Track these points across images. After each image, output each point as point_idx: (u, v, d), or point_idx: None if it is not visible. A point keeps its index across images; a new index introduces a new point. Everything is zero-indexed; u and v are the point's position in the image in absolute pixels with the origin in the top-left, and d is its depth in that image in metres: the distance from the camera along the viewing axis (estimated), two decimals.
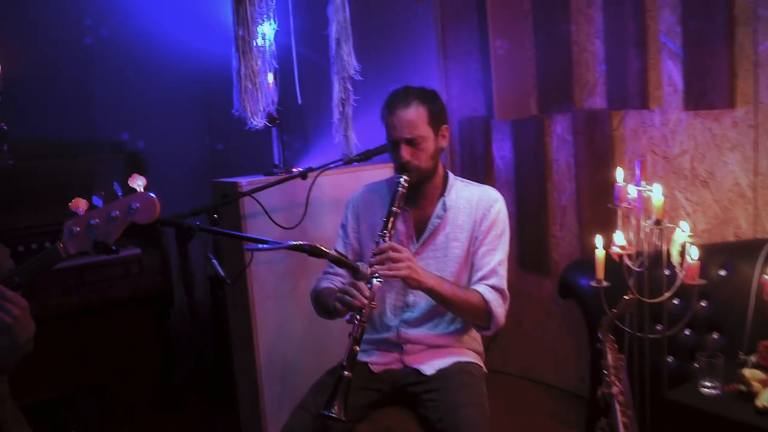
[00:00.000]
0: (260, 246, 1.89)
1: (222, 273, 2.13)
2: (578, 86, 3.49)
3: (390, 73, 3.75)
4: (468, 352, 2.46)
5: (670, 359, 2.85)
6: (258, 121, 2.73)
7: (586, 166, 3.50)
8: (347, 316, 2.14)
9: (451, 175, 2.52)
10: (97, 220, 1.82)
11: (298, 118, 3.69)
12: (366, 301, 2.09)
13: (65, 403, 3.52)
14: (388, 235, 2.25)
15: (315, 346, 3.19)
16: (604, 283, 2.69)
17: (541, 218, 3.73)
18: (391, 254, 2.18)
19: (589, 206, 3.52)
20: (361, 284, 2.13)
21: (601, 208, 3.39)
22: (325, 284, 2.52)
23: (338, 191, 3.22)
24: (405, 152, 2.31)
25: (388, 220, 2.26)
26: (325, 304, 2.39)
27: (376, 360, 2.41)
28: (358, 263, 2.16)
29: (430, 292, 2.25)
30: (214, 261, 2.14)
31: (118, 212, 1.82)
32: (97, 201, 1.86)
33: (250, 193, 2.76)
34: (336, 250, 2.09)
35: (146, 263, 3.76)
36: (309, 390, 2.35)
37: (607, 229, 3.30)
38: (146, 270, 3.78)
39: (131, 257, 3.68)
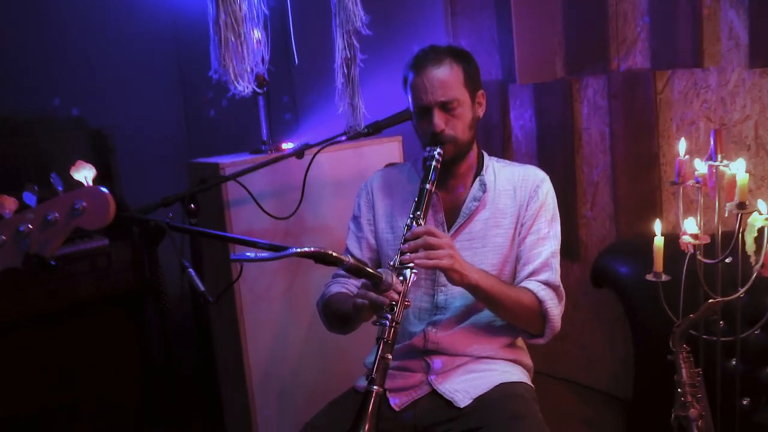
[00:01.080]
0: (249, 256, 1.39)
1: (201, 287, 1.64)
2: (615, 43, 3.05)
3: (389, 32, 3.23)
4: (513, 368, 2.01)
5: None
6: (244, 86, 2.21)
7: (624, 136, 3.07)
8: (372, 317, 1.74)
9: (485, 154, 2.10)
10: (29, 226, 1.33)
11: (292, 83, 3.16)
12: (398, 297, 1.70)
13: (35, 423, 3.10)
14: (422, 216, 1.84)
15: (318, 357, 2.72)
16: (664, 277, 2.27)
17: (568, 196, 3.30)
18: (429, 239, 1.76)
19: (626, 182, 3.11)
20: (392, 278, 1.72)
21: (640, 184, 3.02)
22: (336, 289, 2.08)
23: (341, 171, 2.76)
24: (439, 119, 1.91)
25: (421, 199, 1.86)
26: (340, 311, 1.97)
27: (397, 385, 1.95)
28: (381, 271, 1.67)
29: (474, 289, 1.84)
30: (191, 271, 1.65)
31: (57, 214, 1.34)
32: (30, 198, 1.36)
33: (234, 176, 2.25)
34: (352, 256, 1.60)
35: (116, 256, 3.29)
36: (325, 406, 1.98)
37: (648, 210, 3.01)
38: (116, 264, 3.31)
39: (98, 249, 3.22)
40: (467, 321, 1.98)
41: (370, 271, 1.63)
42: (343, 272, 2.05)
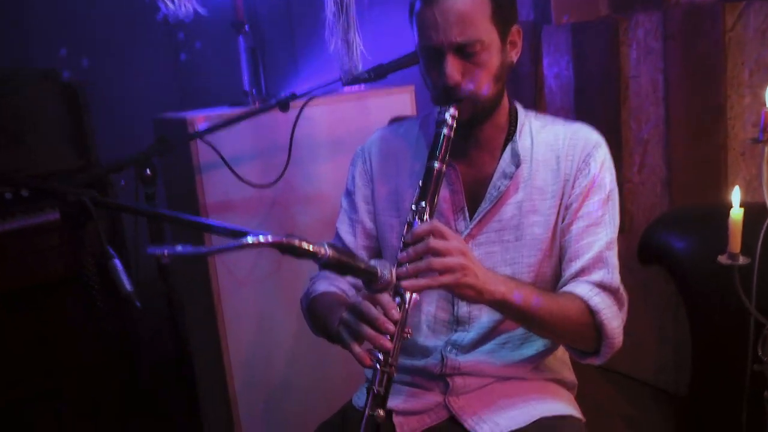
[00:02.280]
0: (168, 251, 0.92)
1: (127, 286, 1.19)
2: None
3: None
4: (555, 391, 1.57)
5: None
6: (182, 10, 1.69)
7: (682, 85, 2.60)
8: (367, 359, 1.30)
9: (521, 109, 1.59)
10: None
11: (290, 20, 2.67)
12: (393, 328, 1.25)
13: (11, 413, 2.75)
14: (427, 208, 1.36)
15: (311, 356, 2.28)
16: (742, 260, 1.85)
17: (612, 157, 2.79)
18: (434, 243, 1.28)
19: (683, 141, 2.65)
20: (385, 299, 1.27)
21: (701, 143, 2.57)
22: (323, 286, 1.63)
23: (341, 129, 2.30)
24: (453, 68, 1.40)
25: (427, 183, 1.38)
26: (323, 322, 1.51)
27: (406, 406, 1.51)
28: (375, 263, 1.21)
29: (500, 306, 1.37)
30: (115, 263, 1.19)
31: None
32: None
33: (199, 135, 1.79)
34: (332, 247, 1.13)
35: (89, 228, 2.85)
36: (316, 430, 1.59)
37: (710, 174, 2.55)
38: (89, 237, 2.88)
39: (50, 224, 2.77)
40: (498, 338, 1.54)
41: (359, 265, 1.16)
42: None
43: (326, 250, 1.09)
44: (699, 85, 2.54)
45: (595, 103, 2.89)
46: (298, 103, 1.99)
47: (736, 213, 1.81)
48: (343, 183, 1.70)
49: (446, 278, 1.27)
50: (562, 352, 1.65)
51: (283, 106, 1.91)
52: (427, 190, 1.36)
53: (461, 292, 1.30)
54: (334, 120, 2.29)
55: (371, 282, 1.21)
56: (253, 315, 2.23)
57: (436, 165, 1.38)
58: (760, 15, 2.35)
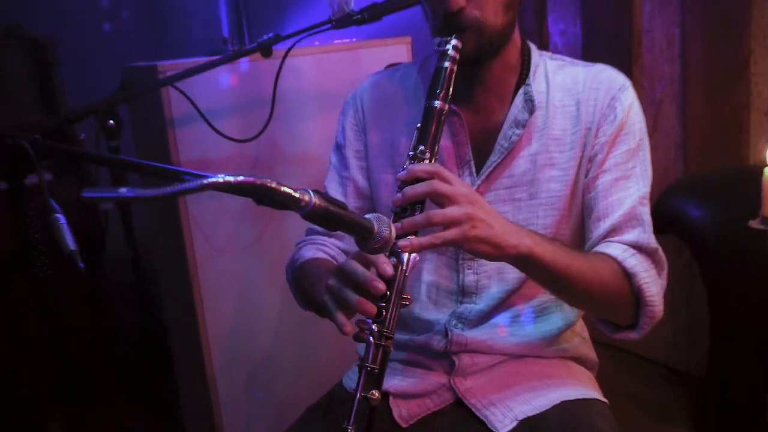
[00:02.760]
0: (122, 192, 0.71)
1: (70, 245, 0.98)
2: None
3: None
4: (578, 374, 1.39)
5: None
6: None
7: (701, 39, 2.41)
8: (348, 326, 1.09)
9: (534, 48, 1.39)
10: None
11: None
12: (383, 290, 1.05)
13: None
14: (428, 154, 1.15)
15: (297, 327, 2.08)
16: None
17: None
18: (438, 187, 1.08)
19: (701, 100, 2.45)
20: (380, 259, 1.06)
21: (721, 102, 2.38)
22: (310, 252, 1.43)
23: (330, 82, 2.10)
24: None
25: (427, 125, 1.17)
26: (309, 293, 1.33)
27: (404, 388, 1.33)
28: (371, 217, 1.01)
29: (525, 262, 1.16)
30: (58, 217, 0.99)
31: None
32: None
33: (169, 81, 1.57)
34: (320, 195, 0.92)
35: (63, 195, 2.66)
36: (303, 414, 1.40)
37: (731, 135, 2.36)
38: (63, 205, 2.69)
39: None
40: (509, 311, 1.35)
41: (351, 218, 0.96)
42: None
43: (311, 197, 0.89)
44: (719, 39, 2.35)
45: (604, 61, 2.67)
46: (282, 53, 1.78)
47: None
48: (332, 141, 1.50)
49: (451, 233, 1.07)
50: (580, 327, 1.46)
51: (266, 50, 1.69)
52: (427, 133, 1.16)
53: (474, 247, 1.10)
54: (323, 72, 2.09)
55: (366, 240, 1.01)
56: (234, 287, 2.03)
57: (437, 104, 1.17)
58: None
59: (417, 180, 1.10)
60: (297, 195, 0.87)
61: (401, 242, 1.06)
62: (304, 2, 2.16)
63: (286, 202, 0.87)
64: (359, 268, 1.06)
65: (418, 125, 1.18)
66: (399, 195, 1.10)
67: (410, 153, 1.16)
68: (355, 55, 2.13)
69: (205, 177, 0.80)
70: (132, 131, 1.96)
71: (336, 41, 2.15)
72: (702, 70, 2.42)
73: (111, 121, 1.56)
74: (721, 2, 2.31)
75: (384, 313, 1.05)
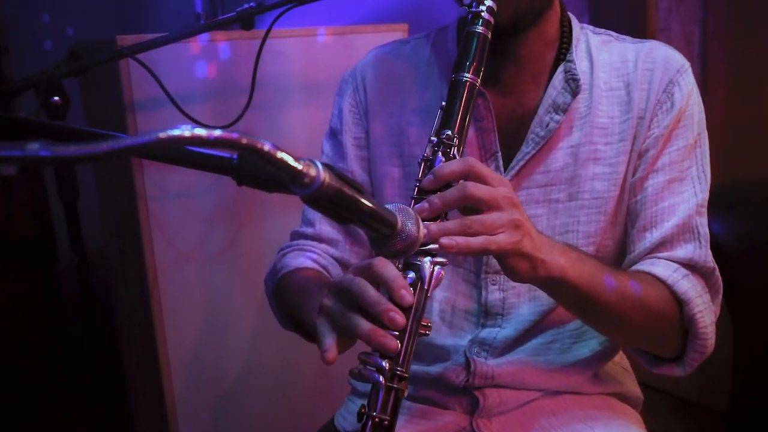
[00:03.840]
0: (33, 150, 0.46)
1: None
2: None
3: None
4: (625, 414, 1.18)
5: None
6: None
7: (724, 38, 2.24)
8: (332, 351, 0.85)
9: (574, 19, 1.17)
10: None
11: None
12: (403, 321, 0.80)
13: None
14: (456, 140, 0.91)
15: (276, 350, 1.82)
16: None
17: None
18: (472, 189, 0.85)
19: (723, 104, 2.26)
20: (392, 272, 0.81)
21: (745, 106, 2.20)
22: (297, 261, 1.18)
23: (314, 69, 1.85)
24: None
25: (454, 104, 0.93)
26: (296, 311, 1.07)
27: (417, 430, 1.06)
28: (391, 207, 0.75)
29: (557, 286, 0.94)
30: None
31: None
32: None
33: (130, 52, 1.31)
34: (327, 169, 0.65)
35: (18, 193, 2.55)
36: None
37: (756, 143, 2.17)
38: (16, 204, 2.55)
39: None
40: (542, 335, 1.13)
41: (370, 205, 0.70)
42: (310, 229, 1.20)
43: (319, 171, 0.62)
44: (745, 39, 2.17)
45: None
46: (264, 33, 1.54)
47: None
48: (320, 136, 1.27)
49: (506, 240, 0.83)
50: (620, 356, 1.22)
51: (246, 21, 1.44)
52: (455, 114, 0.91)
53: (514, 263, 0.86)
54: (310, 58, 1.85)
55: (385, 238, 0.75)
56: (200, 299, 1.76)
57: (467, 76, 0.93)
58: None
59: (447, 185, 0.85)
60: (299, 167, 0.60)
61: (444, 240, 0.80)
62: None
63: (283, 178, 0.61)
64: (369, 291, 0.80)
65: (443, 104, 0.93)
66: (425, 204, 0.84)
67: (432, 139, 0.91)
68: (346, 41, 1.89)
69: (162, 131, 0.54)
70: (84, 114, 1.69)
71: (326, 23, 1.92)
72: (725, 73, 2.25)
73: (55, 98, 1.29)
74: None
75: (403, 345, 0.79)
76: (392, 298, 0.79)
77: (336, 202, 0.66)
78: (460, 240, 0.81)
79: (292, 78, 1.81)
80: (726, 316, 2.09)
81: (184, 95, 1.61)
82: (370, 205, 0.69)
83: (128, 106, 1.57)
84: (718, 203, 2.22)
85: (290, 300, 1.11)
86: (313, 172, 0.62)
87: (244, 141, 0.57)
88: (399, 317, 0.78)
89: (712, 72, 2.26)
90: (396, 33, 2.01)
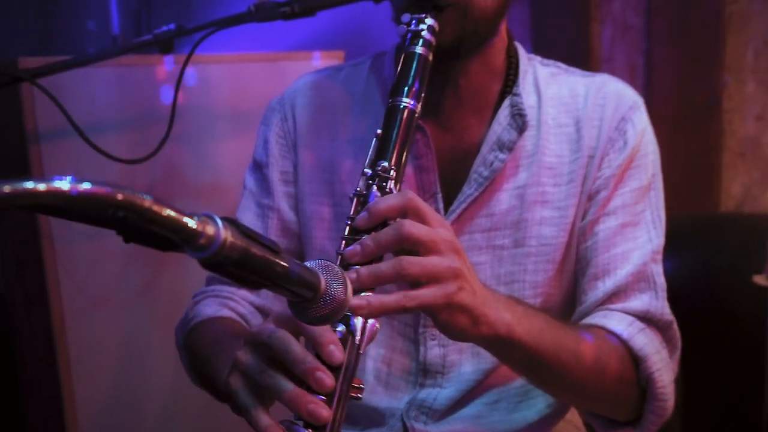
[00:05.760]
0: None
1: None
2: None
3: None
4: None
5: None
6: None
7: (669, 69, 2.24)
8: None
9: (522, 50, 1.09)
10: None
11: None
12: (332, 383, 0.70)
13: None
14: (392, 170, 0.81)
15: (198, 406, 1.67)
16: None
17: None
18: (410, 229, 0.74)
19: (668, 138, 2.23)
20: (325, 333, 0.70)
21: (690, 141, 2.20)
22: (210, 309, 1.07)
23: (243, 97, 1.75)
24: None
25: (390, 130, 0.83)
26: (206, 367, 0.97)
27: None
28: (313, 265, 0.64)
29: (500, 346, 0.84)
30: None
31: None
32: None
33: (32, 76, 1.18)
34: (230, 226, 0.54)
35: None
36: None
37: (702, 178, 2.16)
38: None
39: None
40: (486, 395, 1.05)
41: (286, 265, 0.58)
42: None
43: (218, 229, 0.50)
44: (689, 70, 2.17)
45: None
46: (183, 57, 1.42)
47: None
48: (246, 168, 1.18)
49: (431, 293, 0.73)
50: (572, 413, 1.13)
51: (165, 44, 1.31)
52: (392, 143, 0.81)
53: (451, 319, 0.76)
54: (239, 86, 1.75)
55: (307, 303, 0.63)
56: (112, 349, 1.61)
57: (406, 102, 0.83)
58: None
59: (383, 223, 0.75)
60: (193, 225, 0.48)
61: (355, 301, 0.69)
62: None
63: (173, 237, 0.48)
64: (293, 346, 0.69)
65: (379, 131, 0.83)
66: (357, 247, 0.73)
67: (367, 171, 0.80)
68: (277, 68, 1.80)
69: (8, 183, 0.41)
70: None
71: (254, 48, 1.82)
72: (670, 105, 2.24)
73: None
74: (692, 28, 2.14)
75: (329, 415, 0.69)
76: (319, 355, 0.69)
77: (242, 266, 0.53)
78: (373, 300, 0.71)
79: (218, 107, 1.70)
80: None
81: (96, 124, 1.48)
82: (285, 265, 0.57)
83: (31, 136, 1.43)
84: (668, 238, 2.23)
85: (201, 353, 0.99)
86: (210, 230, 0.50)
87: (120, 197, 0.44)
88: (327, 378, 0.68)
89: (657, 104, 2.25)
90: (332, 60, 1.93)
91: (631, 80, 2.29)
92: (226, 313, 1.05)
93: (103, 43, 1.71)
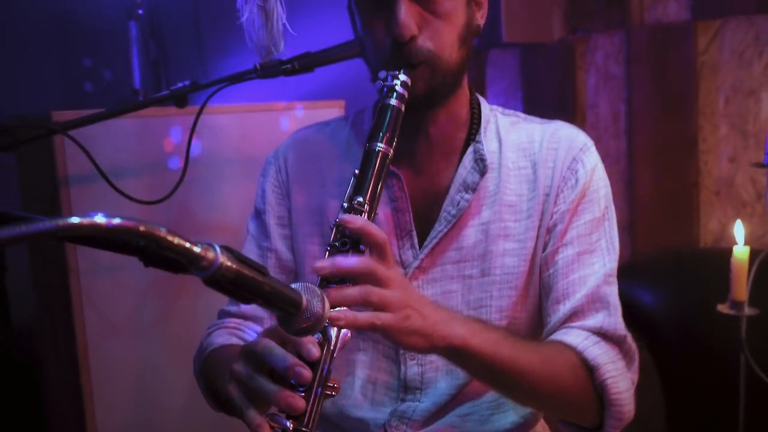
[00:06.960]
0: None
1: None
2: None
3: None
4: None
5: None
6: None
7: (647, 115, 2.34)
8: (266, 428, 0.86)
9: (483, 102, 1.22)
10: None
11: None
12: (309, 376, 0.85)
13: None
14: (366, 205, 0.96)
15: (209, 427, 1.78)
16: (749, 310, 1.57)
17: None
18: (360, 266, 0.91)
19: (649, 178, 2.37)
20: (305, 341, 0.85)
21: (669, 181, 2.30)
22: (221, 338, 1.20)
23: (249, 144, 1.88)
24: (408, 14, 1.04)
25: (367, 171, 0.98)
26: (218, 386, 1.08)
27: None
28: (297, 287, 0.78)
29: (459, 356, 0.97)
30: None
31: None
32: None
33: (62, 128, 1.33)
34: (226, 252, 0.68)
35: None
36: None
37: (679, 216, 2.25)
38: None
39: None
40: (459, 408, 1.15)
41: (272, 284, 0.72)
42: (235, 307, 1.24)
43: (217, 255, 0.65)
44: (667, 115, 2.28)
45: None
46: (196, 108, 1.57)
47: (741, 252, 1.53)
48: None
49: (386, 317, 0.88)
50: (542, 426, 1.24)
51: (180, 99, 1.47)
52: (367, 181, 0.96)
53: (404, 340, 0.91)
54: (246, 133, 1.88)
55: (291, 317, 0.77)
56: (133, 376, 1.73)
57: (380, 146, 0.98)
58: (737, 35, 2.10)
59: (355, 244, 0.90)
60: (197, 250, 0.63)
61: (332, 313, 0.83)
62: (231, 52, 1.96)
63: (182, 260, 0.64)
64: (276, 349, 0.83)
65: (356, 171, 0.98)
66: (326, 263, 0.89)
67: (344, 204, 0.95)
68: (281, 118, 1.94)
69: (61, 218, 0.56)
70: (19, 187, 1.69)
71: (261, 99, 1.96)
72: (650, 147, 2.34)
73: None
74: (668, 77, 2.24)
75: (309, 405, 0.82)
76: (299, 354, 0.83)
77: (236, 284, 0.68)
78: (348, 314, 0.85)
79: (227, 153, 1.84)
80: (658, 384, 2.12)
81: (118, 169, 1.62)
82: (270, 285, 0.72)
83: (62, 181, 1.58)
84: (646, 273, 2.29)
85: (212, 375, 1.12)
86: (210, 255, 0.65)
87: (142, 228, 0.59)
88: (305, 371, 0.82)
89: (638, 146, 2.35)
90: (332, 109, 2.05)
91: (613, 125, 2.41)
92: (234, 341, 1.18)
93: (123, 92, 1.86)
